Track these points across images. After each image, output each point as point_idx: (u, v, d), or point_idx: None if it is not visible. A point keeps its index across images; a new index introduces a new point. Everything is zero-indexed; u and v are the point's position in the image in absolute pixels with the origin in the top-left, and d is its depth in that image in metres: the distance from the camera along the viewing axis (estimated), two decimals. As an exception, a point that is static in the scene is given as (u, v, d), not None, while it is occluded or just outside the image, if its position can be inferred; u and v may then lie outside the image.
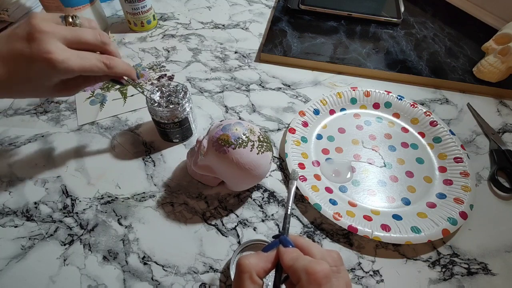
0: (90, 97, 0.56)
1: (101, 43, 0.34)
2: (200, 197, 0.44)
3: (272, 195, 0.45)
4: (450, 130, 0.49)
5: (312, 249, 0.25)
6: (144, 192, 0.44)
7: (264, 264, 0.25)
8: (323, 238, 0.41)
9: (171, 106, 0.43)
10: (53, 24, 0.31)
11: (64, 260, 0.39)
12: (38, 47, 0.30)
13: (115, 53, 0.36)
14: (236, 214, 0.43)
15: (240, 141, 0.37)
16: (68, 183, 0.45)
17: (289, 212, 0.29)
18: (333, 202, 0.42)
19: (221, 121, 0.41)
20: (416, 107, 0.52)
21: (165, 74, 0.60)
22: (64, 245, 0.40)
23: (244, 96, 0.57)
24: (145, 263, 0.39)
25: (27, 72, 0.32)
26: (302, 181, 0.44)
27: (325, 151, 0.49)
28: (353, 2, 0.72)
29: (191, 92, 0.57)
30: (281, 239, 0.26)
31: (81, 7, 0.61)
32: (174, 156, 0.48)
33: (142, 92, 0.42)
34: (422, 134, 0.51)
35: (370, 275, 0.38)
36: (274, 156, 0.49)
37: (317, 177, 0.46)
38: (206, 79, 0.59)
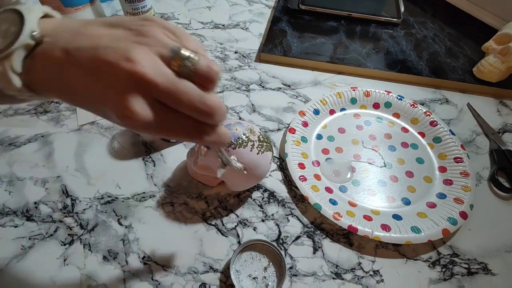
0: (90, 97, 0.55)
1: (206, 115, 0.22)
2: (200, 197, 0.44)
3: (272, 195, 0.45)
4: (450, 130, 0.49)
5: None
6: (144, 192, 0.44)
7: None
8: (323, 238, 0.41)
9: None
10: (153, 62, 0.20)
11: (64, 260, 0.39)
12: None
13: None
14: (236, 214, 0.43)
15: (240, 141, 0.37)
16: (68, 183, 0.45)
17: None
18: (333, 202, 0.42)
19: (221, 121, 0.41)
20: (416, 107, 0.52)
21: (165, 74, 0.60)
22: (64, 245, 0.40)
23: (244, 96, 0.57)
24: (145, 263, 0.39)
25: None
26: (302, 181, 0.44)
27: (325, 151, 0.49)
28: (353, 2, 0.72)
29: (191, 92, 0.57)
30: None
31: (81, 7, 0.61)
32: (174, 156, 0.48)
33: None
34: (422, 134, 0.51)
35: (370, 275, 0.38)
36: (274, 156, 0.49)
37: (317, 177, 0.46)
38: (206, 79, 0.59)
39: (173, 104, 0.21)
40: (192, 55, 0.21)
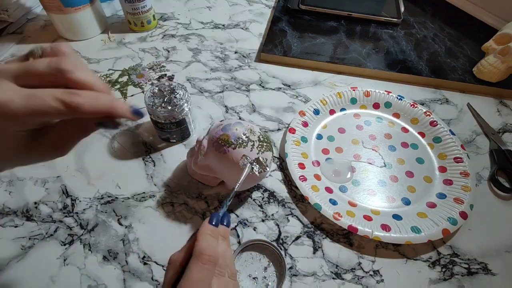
0: (90, 97, 0.55)
1: (56, 70, 0.23)
2: (200, 197, 0.44)
3: (272, 195, 0.45)
4: (450, 130, 0.49)
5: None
6: (144, 192, 0.44)
7: (183, 256, 0.28)
8: (323, 238, 0.41)
9: (169, 107, 0.43)
10: (2, 63, 0.24)
11: (64, 260, 0.39)
12: None
13: (88, 83, 0.24)
14: (236, 214, 0.43)
15: (240, 141, 0.37)
16: (68, 183, 0.45)
17: (235, 189, 0.33)
18: (333, 202, 0.42)
19: (221, 121, 0.41)
20: (416, 107, 0.52)
21: (165, 74, 0.60)
22: (64, 245, 0.40)
23: (244, 96, 0.57)
24: (145, 263, 0.39)
25: None
26: (302, 181, 0.44)
27: (325, 151, 0.49)
28: (353, 2, 0.72)
29: (191, 92, 0.57)
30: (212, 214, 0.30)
31: (81, 7, 0.61)
32: (174, 156, 0.48)
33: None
34: (422, 134, 0.51)
35: (370, 275, 0.38)
36: (274, 156, 0.49)
37: (317, 177, 0.46)
38: (206, 79, 0.59)
39: (29, 76, 0.23)
40: (38, 47, 0.25)
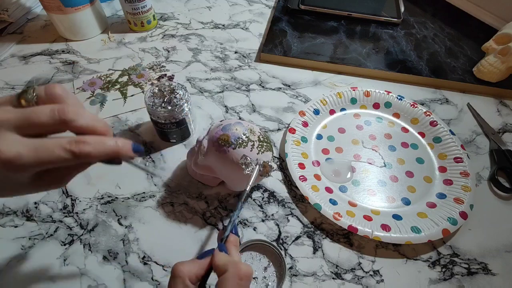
0: (90, 97, 0.56)
1: (60, 121, 0.23)
2: (200, 197, 0.44)
3: (272, 195, 0.45)
4: (450, 130, 0.49)
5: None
6: (144, 192, 0.44)
7: (197, 271, 0.27)
8: (323, 238, 0.41)
9: (169, 107, 0.43)
10: (1, 110, 0.23)
11: (64, 260, 0.39)
12: None
13: (91, 128, 0.25)
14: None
15: (240, 141, 0.37)
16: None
17: (235, 221, 0.33)
18: (333, 202, 0.42)
19: (221, 121, 0.41)
20: (416, 107, 0.52)
21: (165, 74, 0.60)
22: (64, 245, 0.40)
23: (244, 96, 0.57)
24: (145, 263, 0.39)
25: None
26: (302, 181, 0.44)
27: (325, 151, 0.49)
28: (353, 2, 0.72)
29: (191, 92, 0.57)
30: (219, 245, 0.30)
31: (81, 7, 0.61)
32: (174, 156, 0.48)
33: (152, 173, 0.33)
34: (422, 134, 0.51)
35: (370, 275, 0.38)
36: (274, 156, 0.49)
37: (317, 177, 0.46)
38: (206, 79, 0.59)
39: (32, 127, 0.23)
40: (30, 90, 0.24)
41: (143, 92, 0.57)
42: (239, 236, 0.33)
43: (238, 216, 0.32)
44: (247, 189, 0.35)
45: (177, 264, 0.27)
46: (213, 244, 0.40)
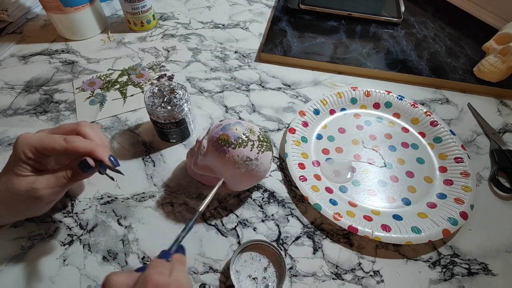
0: (90, 97, 0.55)
1: (65, 150, 0.32)
2: (200, 197, 0.44)
3: (272, 195, 0.45)
4: (450, 130, 0.49)
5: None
6: (144, 192, 0.44)
7: (129, 283, 0.25)
8: (323, 238, 0.41)
9: (168, 107, 0.43)
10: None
11: (64, 260, 0.38)
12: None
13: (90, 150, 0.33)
14: (236, 214, 0.43)
15: (240, 141, 0.37)
16: (67, 183, 0.45)
17: (180, 240, 0.31)
18: (333, 202, 0.42)
19: (221, 121, 0.41)
20: (416, 107, 0.52)
21: (165, 74, 0.60)
22: (64, 245, 0.40)
23: (244, 96, 0.57)
24: (144, 263, 0.38)
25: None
26: (302, 181, 0.43)
27: (325, 151, 0.49)
28: (353, 2, 0.72)
29: (191, 92, 0.57)
30: (161, 252, 0.29)
31: (81, 7, 0.61)
32: (174, 156, 0.48)
33: (112, 178, 0.36)
34: (423, 134, 0.51)
35: (370, 275, 0.38)
36: (274, 156, 0.48)
37: (317, 177, 0.46)
38: (206, 79, 0.59)
39: (46, 151, 0.32)
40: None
41: (142, 92, 0.56)
42: (185, 255, 0.30)
43: (184, 237, 0.31)
44: (205, 203, 0.35)
45: (112, 274, 0.25)
46: (212, 243, 0.40)
